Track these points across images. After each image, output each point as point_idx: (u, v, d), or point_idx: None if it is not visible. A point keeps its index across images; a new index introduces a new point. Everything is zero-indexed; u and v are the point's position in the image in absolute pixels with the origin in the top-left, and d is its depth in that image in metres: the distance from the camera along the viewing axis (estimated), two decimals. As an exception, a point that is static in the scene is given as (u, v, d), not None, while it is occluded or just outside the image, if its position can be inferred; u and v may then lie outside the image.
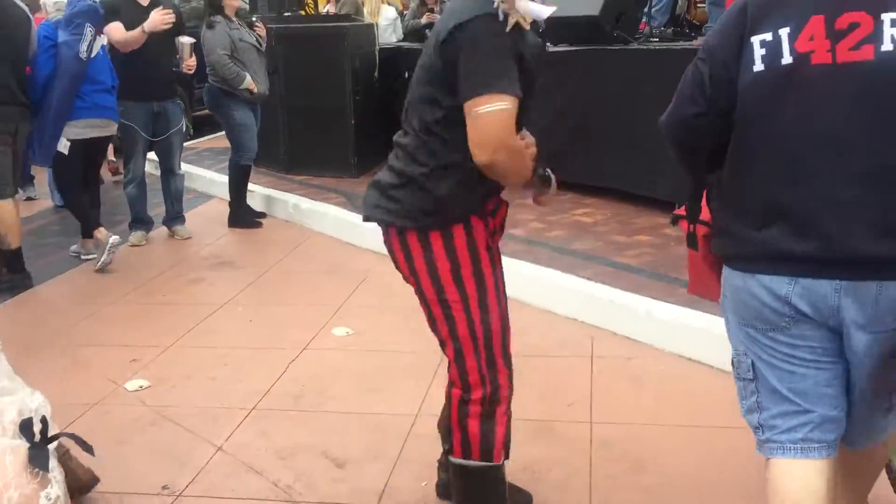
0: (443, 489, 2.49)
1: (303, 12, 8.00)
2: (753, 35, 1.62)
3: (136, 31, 5.06)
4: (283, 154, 7.06)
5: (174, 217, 5.74)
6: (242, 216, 5.99)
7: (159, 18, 5.09)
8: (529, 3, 1.92)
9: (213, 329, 4.05)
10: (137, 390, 3.36)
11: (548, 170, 2.20)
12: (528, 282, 4.18)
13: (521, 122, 1.94)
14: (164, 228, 5.75)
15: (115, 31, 5.06)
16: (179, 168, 5.69)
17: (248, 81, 5.66)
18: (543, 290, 4.14)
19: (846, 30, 1.54)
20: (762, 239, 1.65)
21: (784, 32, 1.58)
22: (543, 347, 3.63)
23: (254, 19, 6.17)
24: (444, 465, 2.43)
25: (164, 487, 2.64)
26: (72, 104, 4.77)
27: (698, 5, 7.61)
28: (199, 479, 2.68)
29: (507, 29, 1.84)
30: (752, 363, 1.76)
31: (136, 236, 5.59)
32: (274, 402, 3.22)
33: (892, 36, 1.52)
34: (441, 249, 2.07)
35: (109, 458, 2.79)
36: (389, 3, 9.21)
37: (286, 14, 7.51)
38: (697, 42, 5.83)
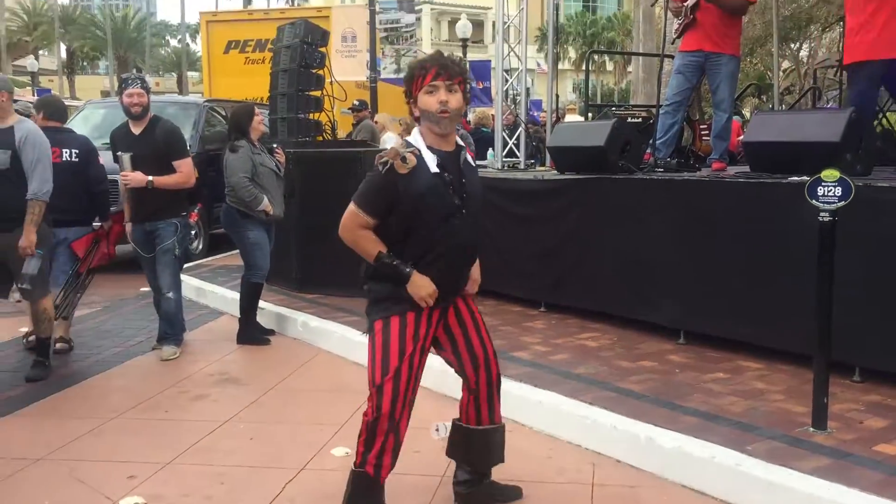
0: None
1: (319, 138, 8.30)
2: None
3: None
4: (295, 273, 7.19)
5: (161, 336, 5.77)
6: (251, 333, 6.05)
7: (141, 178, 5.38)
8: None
9: (213, 446, 4.03)
10: (132, 508, 3.32)
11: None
12: (530, 405, 4.17)
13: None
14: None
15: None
16: (168, 290, 5.63)
17: (266, 204, 5.85)
18: (545, 414, 4.11)
19: None
20: None
21: None
22: (543, 473, 3.58)
23: (274, 145, 6.42)
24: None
25: None
26: None
27: (703, 138, 7.85)
28: None
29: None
30: None
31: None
32: (268, 523, 3.17)
33: None
34: None
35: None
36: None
37: (304, 139, 7.81)
38: (703, 172, 6.01)
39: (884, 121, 7.30)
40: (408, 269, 2.85)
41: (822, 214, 3.57)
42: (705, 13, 6.10)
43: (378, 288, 2.95)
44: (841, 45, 8.36)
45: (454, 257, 2.95)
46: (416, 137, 2.87)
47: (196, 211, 7.12)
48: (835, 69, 8.23)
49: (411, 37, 24.05)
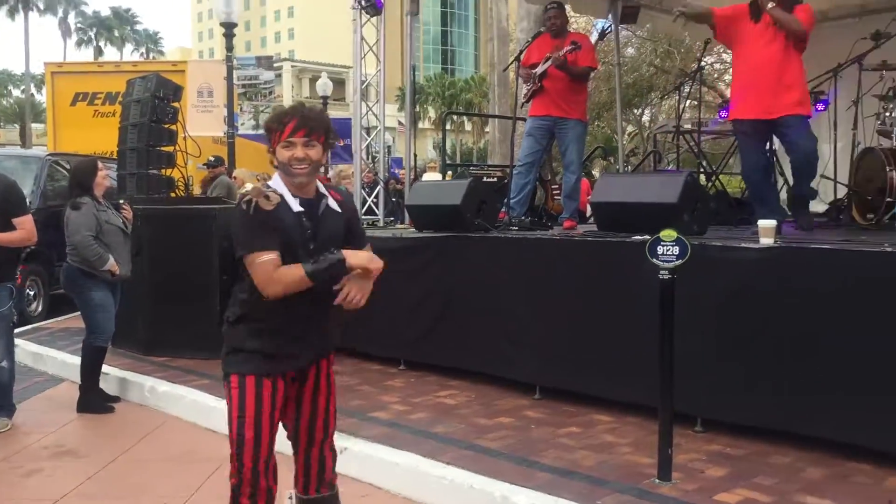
0: None
1: (172, 194, 8.03)
2: None
3: None
4: (142, 334, 6.84)
5: None
6: (93, 400, 5.67)
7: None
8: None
9: (45, 527, 3.72)
10: None
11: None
12: (387, 467, 4.10)
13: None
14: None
15: None
16: (2, 358, 5.14)
17: (111, 263, 5.56)
18: (403, 476, 4.06)
19: None
20: None
21: None
22: (401, 538, 3.52)
23: (120, 201, 6.15)
24: None
25: None
26: None
27: (555, 197, 8.16)
28: None
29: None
30: None
31: None
32: None
33: None
34: None
35: None
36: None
37: (155, 196, 7.52)
38: (554, 231, 6.23)
39: (717, 182, 7.83)
40: (335, 252, 2.77)
41: (662, 272, 3.76)
42: (552, 81, 6.39)
43: (235, 334, 2.86)
44: (679, 111, 8.93)
45: (306, 305, 2.81)
46: (276, 182, 2.84)
47: (20, 273, 6.66)
48: (672, 134, 8.76)
49: (270, 93, 23.92)
